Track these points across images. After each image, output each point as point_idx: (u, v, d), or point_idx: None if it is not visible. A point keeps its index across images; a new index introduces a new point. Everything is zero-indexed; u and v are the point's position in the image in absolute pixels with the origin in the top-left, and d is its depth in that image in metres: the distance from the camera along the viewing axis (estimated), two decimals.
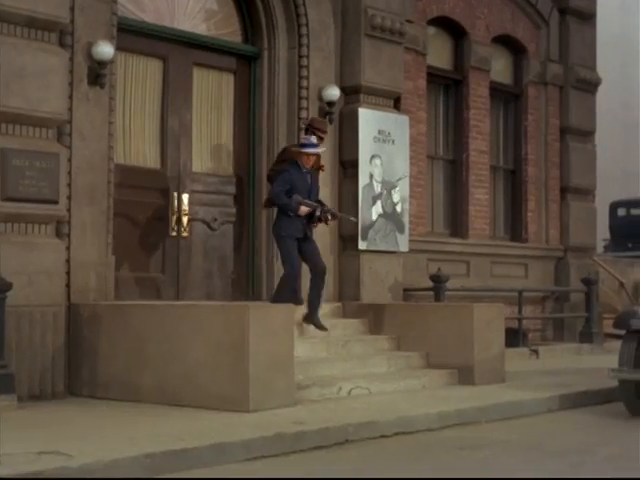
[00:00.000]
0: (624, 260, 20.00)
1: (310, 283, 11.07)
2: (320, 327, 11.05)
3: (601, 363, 11.39)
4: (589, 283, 15.68)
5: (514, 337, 13.98)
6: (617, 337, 11.51)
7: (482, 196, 15.15)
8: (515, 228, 15.95)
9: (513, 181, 16.07)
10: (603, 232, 24.72)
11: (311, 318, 11.05)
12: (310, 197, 10.93)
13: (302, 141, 11.08)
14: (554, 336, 16.04)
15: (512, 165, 16.09)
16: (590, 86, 16.73)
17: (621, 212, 27.70)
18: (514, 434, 8.91)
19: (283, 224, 10.89)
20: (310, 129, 11.23)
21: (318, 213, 10.90)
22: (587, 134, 16.81)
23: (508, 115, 16.15)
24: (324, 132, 11.35)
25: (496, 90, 15.64)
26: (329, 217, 11.07)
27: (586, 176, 16.65)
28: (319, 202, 11.06)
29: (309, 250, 11.02)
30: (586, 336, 15.66)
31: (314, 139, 10.92)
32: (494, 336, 11.46)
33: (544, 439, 8.64)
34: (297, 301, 10.78)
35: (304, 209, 10.80)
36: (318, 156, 11.06)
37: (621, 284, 18.04)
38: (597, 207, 17.37)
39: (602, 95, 17.59)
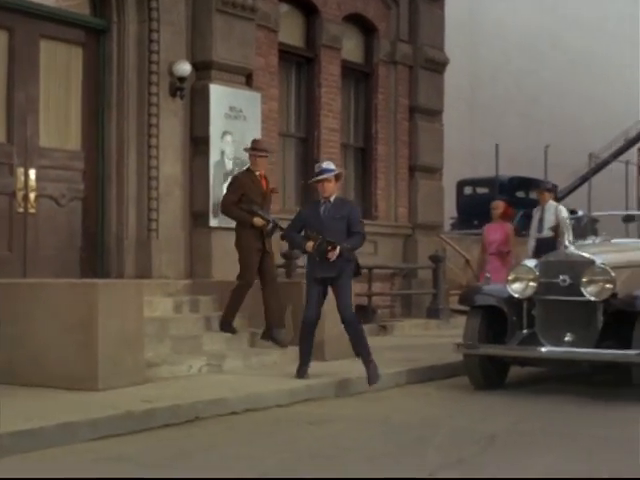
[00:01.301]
0: (470, 237, 20.49)
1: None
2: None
3: (447, 338, 11.66)
4: (436, 260, 16.01)
5: (364, 313, 14.18)
6: (463, 313, 11.80)
7: None
8: (365, 206, 16.12)
9: (363, 159, 16.25)
10: (450, 210, 25.28)
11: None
12: (322, 231, 9.64)
13: (316, 170, 10.08)
14: (402, 312, 16.33)
15: (362, 143, 16.26)
16: (438, 66, 17.03)
17: (467, 191, 28.41)
18: (363, 409, 9.06)
19: (306, 264, 10.01)
20: (254, 151, 11.18)
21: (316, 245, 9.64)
22: (435, 113, 17.11)
23: (359, 94, 16.30)
24: (267, 150, 11.41)
25: (347, 69, 15.76)
26: (328, 248, 9.56)
27: (434, 155, 16.96)
28: (353, 235, 9.90)
29: (336, 295, 9.85)
30: (433, 312, 16.00)
31: (327, 164, 10.04)
32: None
33: (392, 413, 8.80)
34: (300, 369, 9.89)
35: (309, 244, 9.71)
36: (336, 179, 9.93)
37: (467, 261, 18.47)
38: (444, 185, 17.74)
39: (450, 75, 17.92)
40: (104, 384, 8.78)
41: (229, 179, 11.85)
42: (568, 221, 13.75)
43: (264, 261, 11.13)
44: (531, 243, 14.17)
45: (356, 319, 9.89)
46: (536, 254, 13.34)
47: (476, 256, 15.61)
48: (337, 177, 9.97)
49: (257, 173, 11.21)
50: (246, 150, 11.49)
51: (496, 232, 14.13)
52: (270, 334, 11.07)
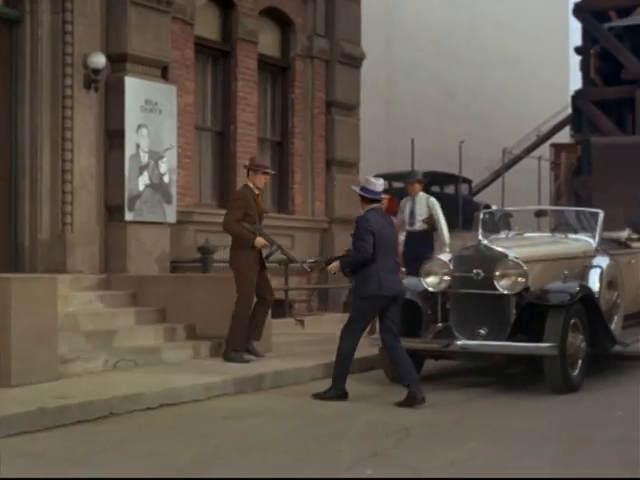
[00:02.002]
0: None
1: None
2: None
3: (365, 332, 11.69)
4: None
5: (280, 308, 14.18)
6: None
7: None
8: (282, 200, 16.14)
9: (280, 153, 16.24)
10: None
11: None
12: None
13: (366, 186, 9.70)
14: (319, 306, 16.37)
15: (279, 137, 16.25)
16: (355, 61, 17.09)
17: None
18: (279, 403, 9.07)
19: None
20: (256, 169, 10.99)
21: None
22: (352, 108, 17.18)
23: (276, 88, 16.29)
24: (269, 169, 11.29)
25: (264, 63, 15.73)
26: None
27: (350, 149, 17.02)
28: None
29: None
30: (350, 306, 16.01)
31: (365, 181, 9.77)
32: None
33: (308, 407, 8.83)
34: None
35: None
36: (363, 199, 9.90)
37: None
38: (361, 180, 17.79)
39: (366, 70, 18.00)
40: (17, 380, 8.67)
41: (232, 196, 11.66)
42: (441, 213, 13.61)
43: (261, 276, 10.99)
44: (401, 237, 13.29)
45: (343, 342, 9.38)
46: (406, 248, 13.29)
47: None
48: (364, 199, 9.86)
49: (257, 192, 11.06)
50: (247, 167, 11.26)
51: None
52: (247, 345, 10.84)
